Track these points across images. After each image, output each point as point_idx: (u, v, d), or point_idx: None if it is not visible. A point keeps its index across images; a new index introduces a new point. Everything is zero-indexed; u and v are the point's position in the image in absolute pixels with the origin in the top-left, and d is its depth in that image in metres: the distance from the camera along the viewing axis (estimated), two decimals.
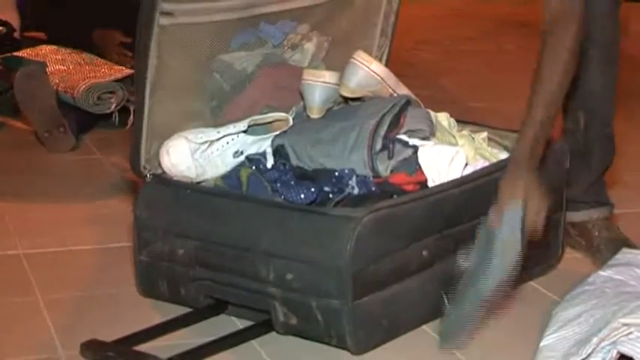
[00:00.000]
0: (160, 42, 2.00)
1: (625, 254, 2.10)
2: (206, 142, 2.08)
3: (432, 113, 2.25)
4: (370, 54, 2.39)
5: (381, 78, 2.23)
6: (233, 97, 2.22)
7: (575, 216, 2.34)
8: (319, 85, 2.20)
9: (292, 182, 2.03)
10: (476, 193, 2.03)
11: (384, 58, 2.50)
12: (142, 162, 2.05)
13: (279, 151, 2.14)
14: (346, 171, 2.04)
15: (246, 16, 2.20)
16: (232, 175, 2.08)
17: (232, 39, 2.21)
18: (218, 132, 2.10)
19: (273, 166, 2.10)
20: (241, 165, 2.10)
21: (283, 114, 2.20)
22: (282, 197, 1.98)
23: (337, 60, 2.30)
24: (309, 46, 2.32)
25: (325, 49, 2.36)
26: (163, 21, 2.00)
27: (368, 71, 2.21)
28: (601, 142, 2.32)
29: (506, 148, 2.24)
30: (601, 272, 2.03)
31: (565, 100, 2.31)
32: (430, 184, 2.06)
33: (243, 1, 2.17)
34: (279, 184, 2.01)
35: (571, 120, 2.32)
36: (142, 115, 2.03)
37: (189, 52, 2.12)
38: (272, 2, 2.24)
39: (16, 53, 3.35)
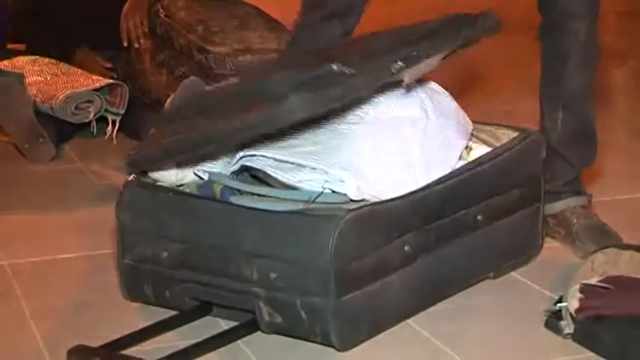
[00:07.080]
0: None
1: None
2: None
3: None
4: None
5: None
6: None
7: (554, 207, 2.36)
8: None
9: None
10: (456, 188, 2.04)
11: None
12: None
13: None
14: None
15: None
16: (206, 186, 2.07)
17: None
18: None
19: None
20: (214, 179, 2.09)
21: None
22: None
23: None
24: None
25: None
26: None
27: None
28: (579, 140, 2.36)
29: (484, 142, 2.25)
30: None
31: (544, 101, 2.36)
32: None
33: None
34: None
35: (549, 119, 2.36)
36: None
37: None
38: None
39: None
